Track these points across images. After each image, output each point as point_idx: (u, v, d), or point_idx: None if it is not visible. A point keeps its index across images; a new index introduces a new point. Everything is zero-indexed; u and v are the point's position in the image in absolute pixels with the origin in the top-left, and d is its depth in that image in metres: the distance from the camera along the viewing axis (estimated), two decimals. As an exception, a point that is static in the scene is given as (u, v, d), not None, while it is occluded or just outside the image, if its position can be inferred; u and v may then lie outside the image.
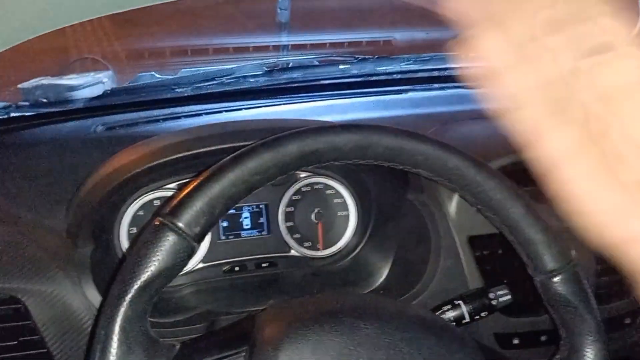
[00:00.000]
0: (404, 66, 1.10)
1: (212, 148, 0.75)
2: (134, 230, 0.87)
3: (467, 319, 0.74)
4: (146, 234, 0.51)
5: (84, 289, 0.75)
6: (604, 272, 0.86)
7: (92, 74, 1.06)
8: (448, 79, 1.11)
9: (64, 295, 0.75)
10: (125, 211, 0.86)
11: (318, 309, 0.57)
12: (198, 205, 0.51)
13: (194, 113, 0.99)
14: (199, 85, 0.99)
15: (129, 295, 0.49)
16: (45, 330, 0.74)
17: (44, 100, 0.96)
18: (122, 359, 0.49)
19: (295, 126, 0.57)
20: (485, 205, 0.61)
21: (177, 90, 0.99)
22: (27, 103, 0.94)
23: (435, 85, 1.12)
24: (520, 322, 0.85)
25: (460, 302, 0.75)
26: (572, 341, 0.60)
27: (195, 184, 0.52)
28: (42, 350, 0.74)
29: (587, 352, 0.59)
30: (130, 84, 1.03)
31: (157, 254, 0.50)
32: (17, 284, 0.73)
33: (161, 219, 0.51)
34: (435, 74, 1.12)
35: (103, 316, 0.50)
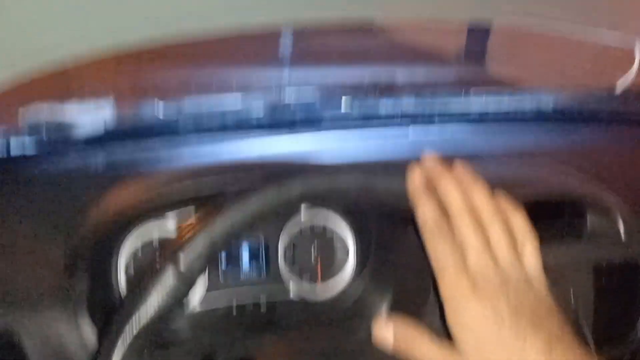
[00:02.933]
0: (406, 104, 1.10)
1: (214, 190, 0.75)
2: (132, 265, 0.86)
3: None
4: (146, 277, 0.50)
5: (79, 325, 0.74)
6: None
7: (92, 104, 1.05)
8: (450, 116, 1.12)
9: (59, 330, 0.74)
10: (122, 247, 0.85)
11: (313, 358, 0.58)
12: (199, 248, 0.51)
13: (195, 146, 0.98)
14: (201, 118, 0.99)
15: (128, 339, 0.49)
16: (38, 366, 0.73)
17: (44, 138, 0.95)
18: None
19: (297, 168, 0.58)
20: None
21: (178, 123, 0.99)
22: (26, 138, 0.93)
23: (437, 122, 1.12)
24: None
25: None
26: None
27: (198, 228, 0.53)
28: None
29: None
30: (131, 116, 1.03)
31: (157, 296, 0.49)
32: (12, 318, 0.72)
33: (162, 261, 0.51)
34: (437, 111, 1.12)
35: (100, 358, 0.50)
